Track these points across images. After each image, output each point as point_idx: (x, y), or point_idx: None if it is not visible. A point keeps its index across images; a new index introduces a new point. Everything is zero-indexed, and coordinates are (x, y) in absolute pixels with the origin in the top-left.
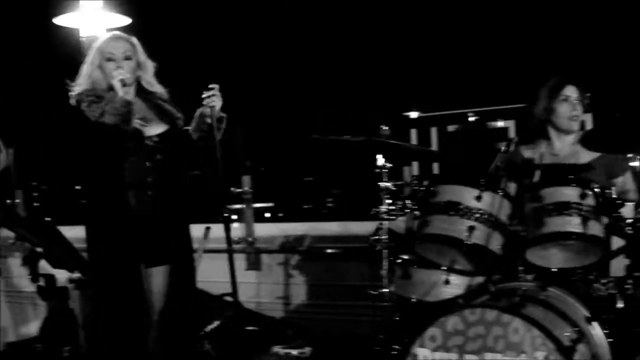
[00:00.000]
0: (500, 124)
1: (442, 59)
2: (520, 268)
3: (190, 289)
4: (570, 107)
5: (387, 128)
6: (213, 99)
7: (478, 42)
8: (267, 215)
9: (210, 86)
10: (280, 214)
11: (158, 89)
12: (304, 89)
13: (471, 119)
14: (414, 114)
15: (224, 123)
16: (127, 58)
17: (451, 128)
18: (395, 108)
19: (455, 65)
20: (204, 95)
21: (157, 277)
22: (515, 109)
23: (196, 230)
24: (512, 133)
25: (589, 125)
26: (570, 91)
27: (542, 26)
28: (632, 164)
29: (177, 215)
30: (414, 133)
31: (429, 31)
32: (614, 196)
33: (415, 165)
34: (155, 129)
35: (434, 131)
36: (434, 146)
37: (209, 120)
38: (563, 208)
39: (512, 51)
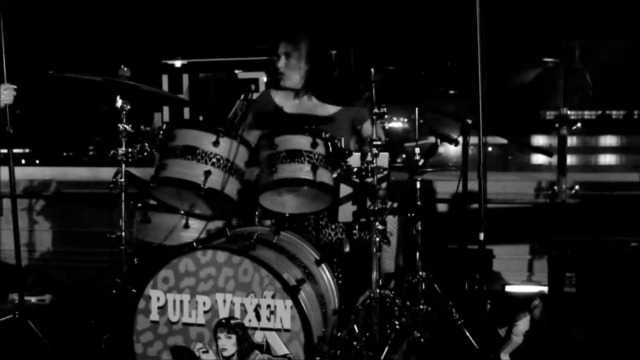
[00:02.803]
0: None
1: (202, 7)
2: (257, 213)
3: None
4: (281, 62)
5: (126, 69)
6: None
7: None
8: (23, 162)
9: None
10: (37, 161)
11: None
12: (60, 25)
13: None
14: (177, 62)
15: None
16: None
17: (202, 75)
18: (153, 54)
19: (211, 15)
20: None
21: None
22: (265, 60)
23: None
24: (262, 84)
25: None
26: (282, 47)
27: None
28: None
29: None
30: (165, 79)
31: None
32: (343, 146)
33: (166, 110)
34: None
35: (185, 78)
36: (185, 92)
37: None
38: (295, 156)
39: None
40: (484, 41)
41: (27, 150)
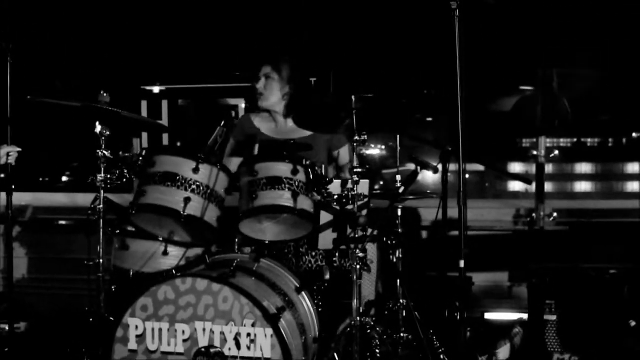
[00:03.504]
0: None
1: (182, 34)
2: (237, 240)
3: None
4: (260, 84)
5: (106, 94)
6: None
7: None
8: None
9: None
10: (13, 186)
11: None
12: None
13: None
14: (156, 89)
15: None
16: None
17: (181, 102)
18: (131, 80)
19: (192, 42)
20: None
21: None
22: (246, 87)
23: None
24: (241, 110)
25: None
26: (264, 69)
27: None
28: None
29: None
30: (144, 105)
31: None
32: (323, 173)
33: (145, 136)
34: None
35: (165, 104)
36: (165, 119)
37: None
38: (275, 183)
39: (248, 32)
40: (464, 68)
41: (1, 176)
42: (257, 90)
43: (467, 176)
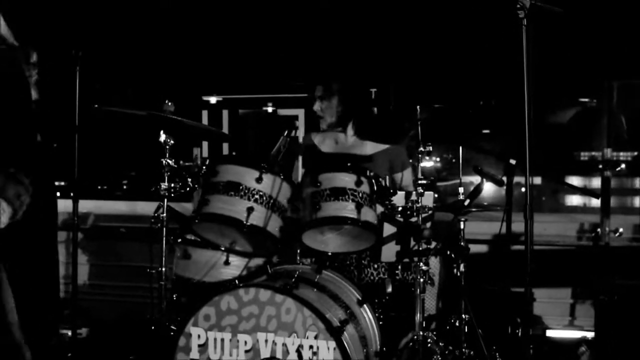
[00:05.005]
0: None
1: (240, 44)
2: (299, 251)
3: None
4: (316, 106)
5: (170, 104)
6: None
7: (274, 34)
8: (58, 194)
9: None
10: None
11: None
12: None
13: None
14: (213, 99)
15: None
16: None
17: (242, 112)
18: (192, 90)
19: (252, 53)
20: None
21: None
22: (305, 98)
23: None
24: (301, 121)
25: None
26: (317, 90)
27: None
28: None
29: None
30: (205, 114)
31: (229, 19)
32: (387, 185)
33: (205, 145)
34: None
35: (225, 114)
36: (225, 128)
37: None
38: (339, 194)
39: (305, 45)
40: (532, 79)
41: (62, 183)
42: (316, 113)
43: (522, 189)
